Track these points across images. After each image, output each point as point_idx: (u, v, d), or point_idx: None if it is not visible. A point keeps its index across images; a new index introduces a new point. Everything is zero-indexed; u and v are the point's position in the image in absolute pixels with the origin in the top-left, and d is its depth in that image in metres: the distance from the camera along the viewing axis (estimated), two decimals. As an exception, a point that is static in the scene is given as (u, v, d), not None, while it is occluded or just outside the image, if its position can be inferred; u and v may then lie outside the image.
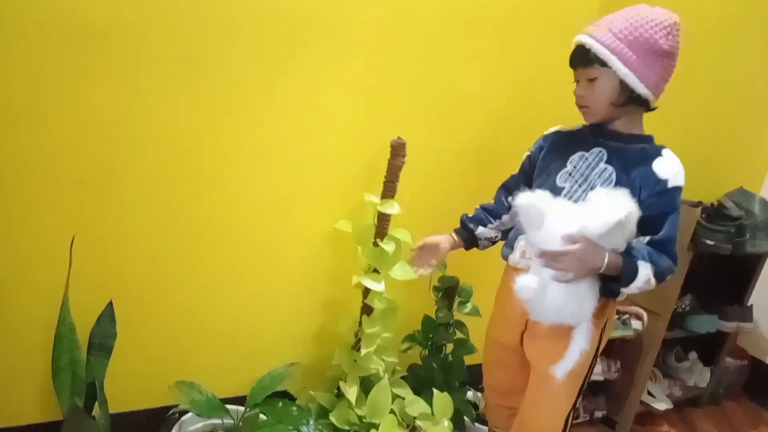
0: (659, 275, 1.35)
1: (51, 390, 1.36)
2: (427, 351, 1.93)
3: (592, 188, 1.40)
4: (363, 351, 1.69)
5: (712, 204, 2.35)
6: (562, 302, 1.34)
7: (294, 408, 1.58)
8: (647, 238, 1.36)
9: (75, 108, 1.33)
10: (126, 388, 1.56)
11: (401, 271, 1.71)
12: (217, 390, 1.64)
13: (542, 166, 1.53)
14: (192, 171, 1.51)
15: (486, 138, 1.94)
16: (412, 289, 1.87)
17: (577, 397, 1.53)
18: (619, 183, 1.37)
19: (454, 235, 1.68)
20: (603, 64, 1.33)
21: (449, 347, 1.94)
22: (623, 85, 1.34)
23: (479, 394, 2.13)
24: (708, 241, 2.22)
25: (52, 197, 1.37)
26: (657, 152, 1.39)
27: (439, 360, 1.91)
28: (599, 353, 1.53)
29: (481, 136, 1.93)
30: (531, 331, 1.52)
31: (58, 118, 1.32)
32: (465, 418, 1.91)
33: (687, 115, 2.41)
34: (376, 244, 1.70)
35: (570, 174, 1.45)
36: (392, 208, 1.67)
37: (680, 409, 2.65)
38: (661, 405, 2.48)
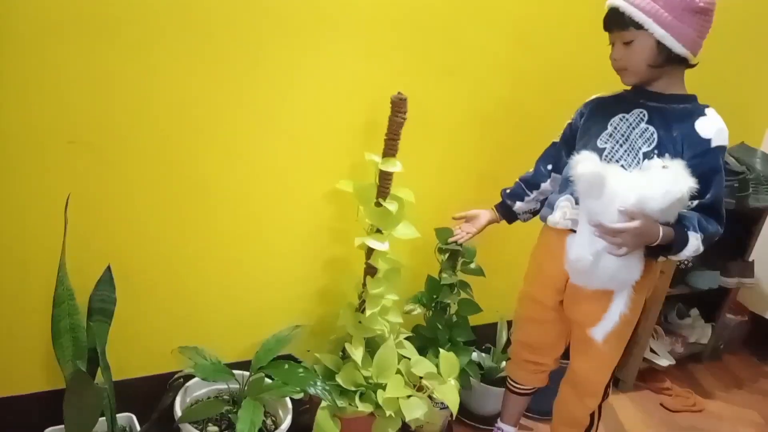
0: (706, 241, 1.35)
1: (53, 358, 1.33)
2: (431, 312, 1.92)
3: (633, 149, 1.40)
4: (367, 312, 1.67)
5: (714, 159, 2.32)
6: (612, 272, 1.37)
7: (300, 369, 1.56)
8: (695, 204, 1.35)
9: (67, 65, 1.28)
10: (128, 354, 1.54)
11: (405, 231, 1.68)
12: (222, 355, 1.62)
13: (583, 130, 1.53)
14: (188, 130, 1.46)
15: (489, 90, 1.90)
16: (415, 250, 1.85)
17: (623, 353, 1.58)
18: (661, 143, 1.37)
19: (495, 209, 1.73)
20: (638, 26, 1.31)
21: (453, 308, 1.93)
22: (660, 46, 1.33)
23: (483, 354, 2.12)
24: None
25: (45, 158, 1.32)
26: (700, 111, 1.37)
27: (444, 320, 1.90)
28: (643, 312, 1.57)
29: (484, 89, 1.88)
30: (571, 292, 1.53)
31: (50, 74, 1.27)
32: (471, 377, 1.90)
33: (695, 80, 2.37)
34: (378, 204, 1.67)
35: (611, 135, 1.45)
36: (394, 166, 1.63)
37: (682, 365, 2.67)
38: (664, 361, 2.49)
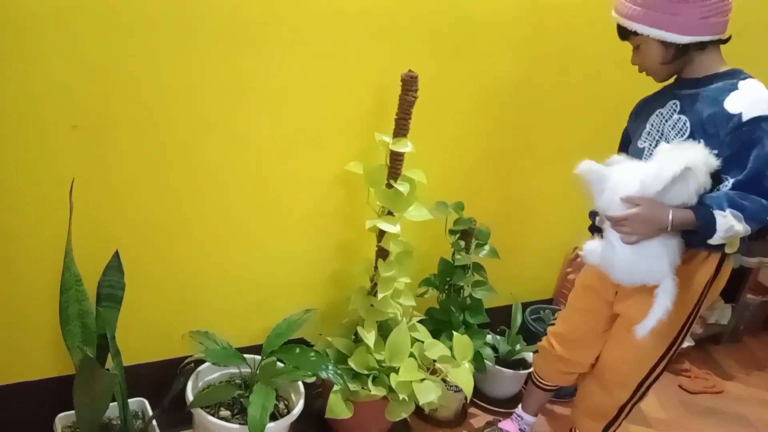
0: (751, 219, 1.25)
1: (62, 344, 1.33)
2: (444, 294, 1.89)
3: (667, 142, 1.38)
4: (380, 295, 1.64)
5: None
6: (630, 263, 1.36)
7: (312, 354, 1.54)
8: (730, 182, 1.29)
9: (70, 49, 1.25)
10: (138, 339, 1.53)
11: (416, 213, 1.65)
12: (233, 340, 1.61)
13: (631, 133, 1.55)
14: (194, 113, 1.43)
15: (501, 68, 1.84)
16: (427, 232, 1.81)
17: (663, 358, 1.52)
18: (693, 130, 1.34)
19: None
20: (636, 33, 1.34)
21: (467, 290, 1.90)
22: (666, 43, 1.33)
23: (498, 337, 2.10)
24: (732, 174, 2.15)
25: (49, 143, 1.30)
26: (733, 86, 1.31)
27: (458, 303, 1.87)
28: (698, 313, 1.49)
29: (496, 67, 1.83)
30: (622, 289, 1.51)
31: (53, 58, 1.24)
32: (485, 360, 1.87)
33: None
34: (389, 186, 1.63)
35: (648, 133, 1.45)
36: (405, 146, 1.60)
37: (701, 346, 2.63)
38: (683, 343, 2.44)
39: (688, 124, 1.35)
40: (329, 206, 1.72)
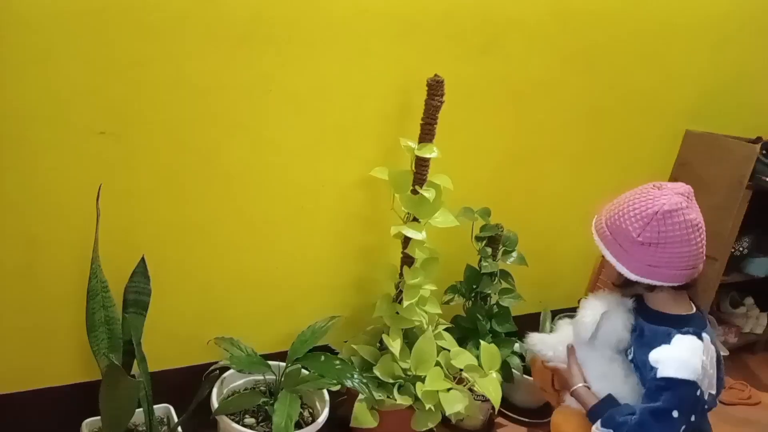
0: None
1: (88, 350, 1.33)
2: (470, 302, 1.86)
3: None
4: (405, 303, 1.62)
5: (771, 139, 2.20)
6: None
7: (337, 362, 1.52)
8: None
9: (96, 56, 1.26)
10: (164, 346, 1.53)
11: (443, 219, 1.63)
12: (257, 346, 1.60)
13: None
14: (219, 118, 1.43)
15: (527, 69, 1.82)
16: (453, 238, 1.79)
17: None
18: (634, 363, 1.39)
19: None
20: None
21: (494, 298, 1.87)
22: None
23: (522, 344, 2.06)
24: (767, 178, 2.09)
25: (76, 150, 1.31)
26: (667, 338, 1.31)
27: (484, 311, 1.84)
28: None
29: (521, 68, 1.80)
30: None
31: (80, 65, 1.25)
32: (513, 370, 1.83)
33: (744, 49, 2.24)
34: (414, 192, 1.61)
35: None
36: (431, 152, 1.58)
37: (735, 356, 2.56)
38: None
39: (632, 350, 1.40)
40: (352, 210, 1.71)
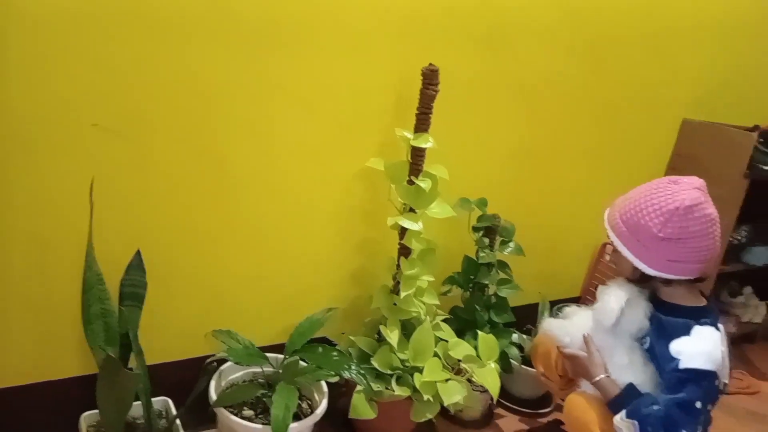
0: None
1: (85, 343, 1.33)
2: (468, 293, 1.86)
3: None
4: (402, 294, 1.62)
5: (769, 127, 2.20)
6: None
7: (335, 353, 1.52)
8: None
9: (89, 47, 1.25)
10: (161, 339, 1.53)
11: (439, 210, 1.62)
12: (255, 339, 1.60)
13: None
14: (214, 111, 1.43)
15: (529, 60, 1.81)
16: (450, 229, 1.79)
17: None
18: (651, 353, 1.39)
19: None
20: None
21: (492, 288, 1.86)
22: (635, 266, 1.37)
23: (525, 336, 2.06)
24: (766, 167, 2.09)
25: (69, 141, 1.30)
26: (686, 330, 1.33)
27: (482, 301, 1.84)
28: None
29: (521, 58, 1.80)
30: None
31: (72, 56, 1.24)
32: (511, 360, 1.83)
33: (742, 36, 2.24)
34: (411, 182, 1.61)
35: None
36: (426, 142, 1.57)
37: (734, 345, 2.53)
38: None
39: (648, 339, 1.40)
40: (351, 203, 1.70)
